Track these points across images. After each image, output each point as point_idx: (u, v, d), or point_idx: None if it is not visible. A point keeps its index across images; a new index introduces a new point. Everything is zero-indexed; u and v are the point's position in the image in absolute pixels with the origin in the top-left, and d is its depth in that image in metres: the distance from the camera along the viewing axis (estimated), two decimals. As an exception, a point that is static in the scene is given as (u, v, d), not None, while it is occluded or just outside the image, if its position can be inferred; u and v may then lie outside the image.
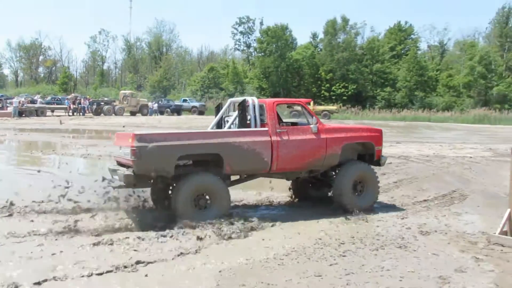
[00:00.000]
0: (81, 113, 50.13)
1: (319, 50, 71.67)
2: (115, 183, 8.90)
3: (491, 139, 29.28)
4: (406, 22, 72.29)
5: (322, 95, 65.49)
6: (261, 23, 77.17)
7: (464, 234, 8.38)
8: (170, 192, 9.23)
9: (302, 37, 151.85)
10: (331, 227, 8.66)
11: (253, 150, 8.97)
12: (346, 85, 64.53)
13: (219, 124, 10.43)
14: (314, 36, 74.20)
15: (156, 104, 57.17)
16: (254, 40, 76.00)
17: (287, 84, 67.29)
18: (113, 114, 50.30)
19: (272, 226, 8.64)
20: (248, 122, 9.44)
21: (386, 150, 20.97)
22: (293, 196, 11.09)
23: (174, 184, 8.88)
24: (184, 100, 58.88)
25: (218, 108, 10.84)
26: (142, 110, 52.75)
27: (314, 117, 9.72)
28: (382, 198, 11.19)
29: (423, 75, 63.24)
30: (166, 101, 60.69)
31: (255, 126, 9.42)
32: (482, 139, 29.41)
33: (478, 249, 7.50)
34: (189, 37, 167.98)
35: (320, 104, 58.06)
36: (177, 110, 55.03)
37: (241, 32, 79.18)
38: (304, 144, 9.49)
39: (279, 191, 11.47)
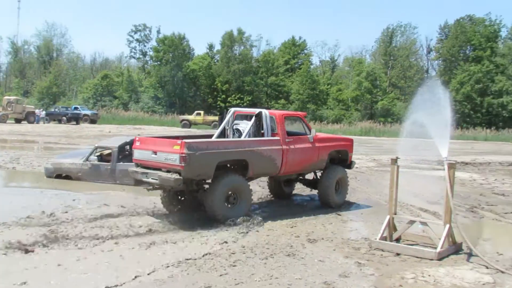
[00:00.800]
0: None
1: (215, 61, 72.18)
2: (148, 184, 9.99)
3: (376, 150, 31.03)
4: (300, 37, 75.04)
5: (218, 106, 65.90)
6: (158, 32, 76.22)
7: (348, 240, 8.82)
8: (180, 198, 10.81)
9: (199, 48, 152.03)
10: (224, 237, 8.74)
11: (270, 156, 10.58)
12: (242, 96, 65.46)
13: (223, 132, 11.73)
14: (211, 47, 74.75)
15: (43, 112, 54.23)
16: (151, 48, 74.88)
17: (183, 94, 66.96)
18: (-4, 121, 47.07)
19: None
20: (262, 132, 10.96)
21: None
22: (271, 194, 13.00)
23: (207, 187, 10.05)
24: (75, 108, 56.07)
25: (222, 117, 12.48)
26: (28, 117, 49.73)
27: (310, 129, 11.64)
28: (273, 206, 11.49)
29: (315, 89, 65.75)
30: (64, 108, 55.91)
31: (267, 136, 10.94)
32: (367, 150, 31.04)
33: (361, 254, 7.92)
34: (82, 42, 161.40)
35: (215, 115, 58.49)
36: (75, 118, 51.35)
37: (137, 40, 77.59)
38: (304, 151, 11.28)
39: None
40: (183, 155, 9.08)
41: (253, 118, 11.04)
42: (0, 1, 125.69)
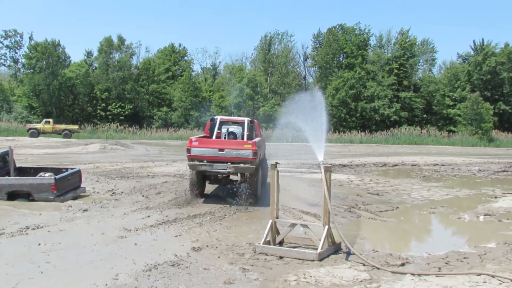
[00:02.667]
0: None
1: (94, 68, 69.62)
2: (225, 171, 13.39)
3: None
4: (179, 44, 74.52)
5: (98, 115, 63.53)
6: (31, 38, 71.79)
7: (233, 246, 8.88)
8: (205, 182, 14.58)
9: (76, 55, 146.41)
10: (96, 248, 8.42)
11: (263, 151, 15.63)
12: (123, 104, 63.64)
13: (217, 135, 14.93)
14: (89, 54, 71.90)
15: None
16: (22, 55, 70.48)
17: (60, 103, 63.64)
18: None
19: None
20: (255, 134, 15.08)
21: (163, 168, 21.27)
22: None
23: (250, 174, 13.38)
24: None
25: (213, 123, 15.11)
26: None
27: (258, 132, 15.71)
28: (157, 217, 11.28)
29: (198, 96, 65.63)
30: None
31: (255, 137, 14.69)
32: (251, 156, 31.53)
33: (245, 259, 8.01)
34: None
35: (68, 123, 56.83)
36: None
37: (7, 46, 72.72)
38: (261, 148, 15.05)
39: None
40: (254, 150, 12.80)
41: (248, 124, 14.99)
42: None
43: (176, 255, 8.17)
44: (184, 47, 74.91)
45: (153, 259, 7.90)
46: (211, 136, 14.79)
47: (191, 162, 13.13)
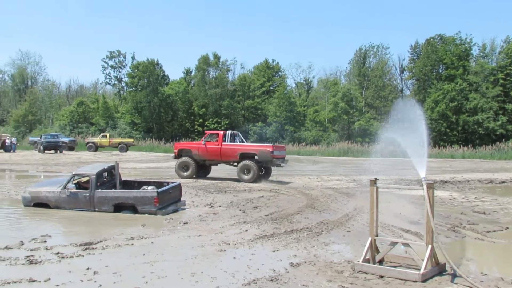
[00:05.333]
0: None
1: (192, 85, 72.16)
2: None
3: (355, 170, 31.13)
4: (273, 60, 75.51)
5: (196, 130, 65.79)
6: (133, 58, 76.14)
7: (331, 263, 8.74)
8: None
9: (174, 73, 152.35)
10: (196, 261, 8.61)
11: None
12: (219, 120, 65.49)
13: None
14: (187, 72, 74.74)
15: (15, 139, 52.77)
16: (125, 74, 74.61)
17: (160, 119, 66.63)
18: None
19: None
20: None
21: (258, 185, 21.47)
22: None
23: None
24: (55, 136, 54.85)
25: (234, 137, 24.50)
26: (5, 146, 48.65)
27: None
28: (255, 231, 11.38)
29: (292, 111, 66.04)
30: (52, 136, 50.54)
31: None
32: (347, 171, 31.17)
33: (344, 277, 7.85)
34: (57, 70, 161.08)
35: (124, 137, 59.05)
36: (57, 146, 47.41)
37: (111, 66, 77.35)
38: None
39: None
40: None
41: (239, 135, 24.95)
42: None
43: (274, 270, 8.18)
44: (278, 63, 75.79)
45: (251, 274, 7.97)
46: None
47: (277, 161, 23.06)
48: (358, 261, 8.33)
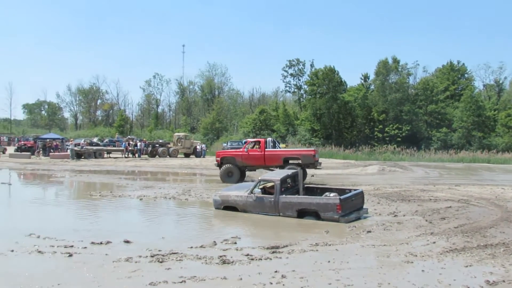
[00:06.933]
0: (136, 155, 50.98)
1: (371, 91, 71.07)
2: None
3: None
4: (458, 62, 70.94)
5: (376, 136, 64.53)
6: (312, 65, 77.58)
7: (535, 285, 7.88)
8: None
9: (350, 80, 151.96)
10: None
11: None
12: (400, 126, 63.39)
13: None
14: (366, 77, 73.87)
15: (204, 145, 57.16)
16: (305, 82, 76.20)
17: (339, 126, 66.69)
18: (168, 156, 50.92)
19: None
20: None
21: (444, 193, 20.33)
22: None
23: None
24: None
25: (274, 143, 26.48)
26: (196, 152, 53.23)
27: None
28: (444, 244, 10.75)
29: (481, 115, 61.19)
30: (236, 143, 56.08)
31: None
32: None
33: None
34: (241, 79, 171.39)
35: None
36: None
37: (291, 75, 79.61)
38: None
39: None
40: None
41: (276, 141, 27.08)
42: (167, 47, 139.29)
43: (468, 287, 7.63)
44: (464, 64, 71.04)
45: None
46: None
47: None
48: None
